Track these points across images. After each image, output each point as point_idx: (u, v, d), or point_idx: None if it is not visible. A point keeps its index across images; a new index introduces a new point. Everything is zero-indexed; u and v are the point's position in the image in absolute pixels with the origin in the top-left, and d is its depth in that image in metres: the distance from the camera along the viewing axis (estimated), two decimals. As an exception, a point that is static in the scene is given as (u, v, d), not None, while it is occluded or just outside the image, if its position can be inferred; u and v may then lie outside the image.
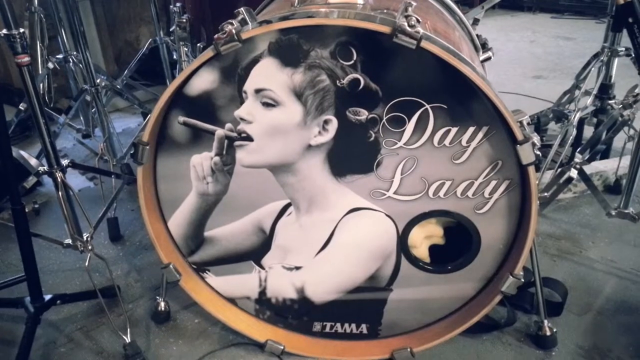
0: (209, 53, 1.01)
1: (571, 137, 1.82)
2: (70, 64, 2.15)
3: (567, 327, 1.36)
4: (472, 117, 1.02)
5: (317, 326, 1.32)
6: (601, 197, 1.58)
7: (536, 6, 4.80)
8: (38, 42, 2.04)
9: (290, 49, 1.00)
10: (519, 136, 1.00)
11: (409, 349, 1.26)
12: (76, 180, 2.15)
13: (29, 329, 1.28)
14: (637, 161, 1.41)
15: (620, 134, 1.69)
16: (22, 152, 1.97)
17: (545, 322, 1.31)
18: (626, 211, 1.49)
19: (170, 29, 2.09)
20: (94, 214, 1.55)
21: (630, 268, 1.58)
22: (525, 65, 3.40)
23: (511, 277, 1.14)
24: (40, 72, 2.07)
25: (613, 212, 1.51)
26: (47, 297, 1.35)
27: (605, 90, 1.92)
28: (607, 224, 1.74)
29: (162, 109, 1.08)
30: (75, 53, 2.07)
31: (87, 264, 1.34)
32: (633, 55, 1.42)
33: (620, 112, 1.60)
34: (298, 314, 1.30)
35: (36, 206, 1.59)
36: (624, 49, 1.86)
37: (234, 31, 0.97)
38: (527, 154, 1.01)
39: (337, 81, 1.02)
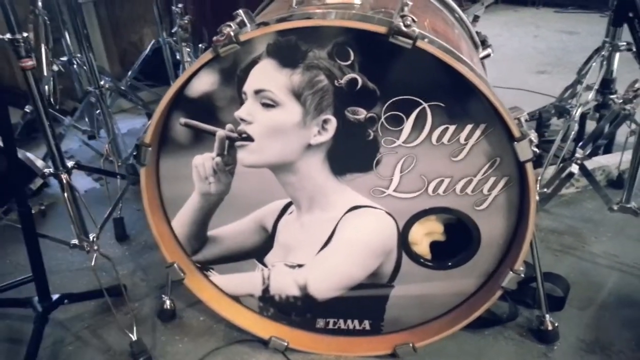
0: (208, 55, 1.02)
1: (573, 132, 1.82)
2: (75, 66, 2.17)
3: (569, 321, 1.37)
4: (470, 115, 1.03)
5: (320, 323, 1.33)
6: (603, 191, 1.58)
7: (539, 0, 4.78)
8: (43, 45, 2.06)
9: (288, 50, 1.01)
10: (516, 133, 1.01)
11: (411, 344, 1.27)
12: (83, 181, 2.17)
13: (37, 328, 1.30)
14: (638, 155, 1.41)
15: (622, 129, 1.68)
16: (29, 154, 1.99)
17: (547, 316, 1.31)
18: (628, 205, 1.48)
19: (173, 30, 2.10)
20: (100, 214, 1.57)
21: (632, 262, 1.58)
22: (529, 60, 3.39)
23: (511, 272, 1.15)
24: (45, 74, 2.09)
25: (615, 207, 1.50)
26: (55, 296, 1.37)
27: (606, 85, 1.92)
28: (609, 218, 1.74)
29: (163, 111, 1.09)
30: (79, 55, 2.10)
31: (93, 263, 1.36)
32: (634, 49, 1.42)
33: (621, 106, 1.59)
34: (301, 310, 1.32)
35: (42, 207, 1.61)
36: (625, 43, 1.86)
37: (232, 33, 0.98)
38: (524, 150, 1.02)
39: (335, 81, 1.03)
